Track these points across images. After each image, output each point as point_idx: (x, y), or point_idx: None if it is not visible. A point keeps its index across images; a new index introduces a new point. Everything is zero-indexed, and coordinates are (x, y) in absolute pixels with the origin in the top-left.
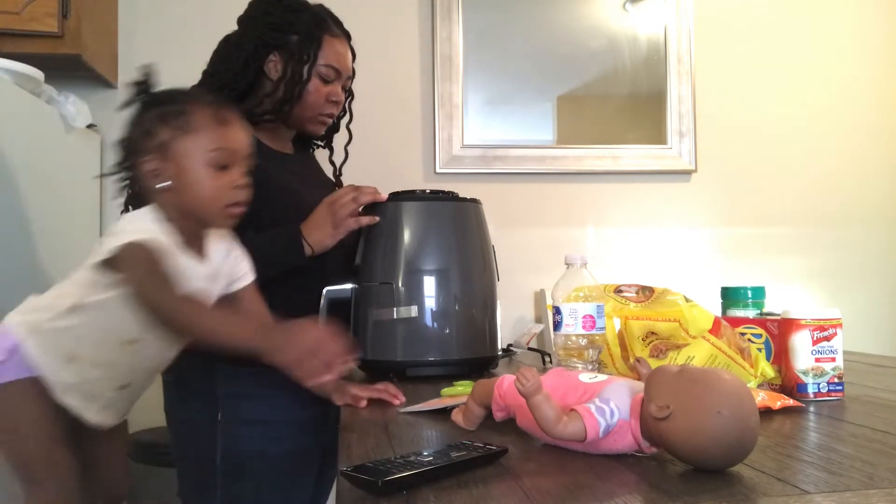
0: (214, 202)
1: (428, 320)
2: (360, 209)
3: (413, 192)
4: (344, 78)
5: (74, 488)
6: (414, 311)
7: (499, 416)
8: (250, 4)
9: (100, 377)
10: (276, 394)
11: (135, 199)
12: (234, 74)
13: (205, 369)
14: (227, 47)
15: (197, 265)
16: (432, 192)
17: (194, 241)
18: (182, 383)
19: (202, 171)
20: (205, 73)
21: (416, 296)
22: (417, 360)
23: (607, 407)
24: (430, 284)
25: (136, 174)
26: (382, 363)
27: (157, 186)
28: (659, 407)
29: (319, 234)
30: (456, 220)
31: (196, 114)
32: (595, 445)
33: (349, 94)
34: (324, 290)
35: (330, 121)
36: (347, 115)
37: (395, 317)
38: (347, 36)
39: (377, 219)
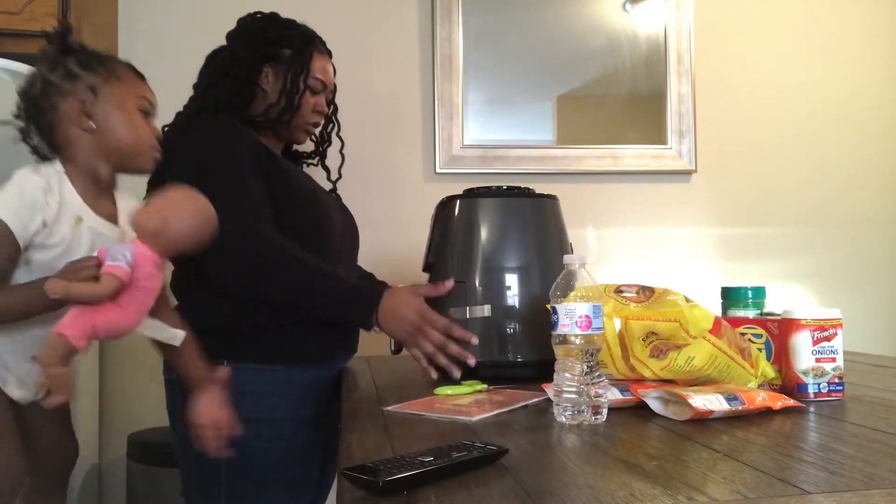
0: (141, 144)
1: (502, 320)
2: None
3: (489, 188)
4: (328, 91)
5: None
6: (487, 310)
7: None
8: (240, 22)
9: (11, 349)
10: (279, 392)
11: (37, 150)
12: (240, 86)
13: None
14: (222, 61)
15: (108, 228)
16: (508, 188)
17: (103, 201)
18: (184, 383)
19: (133, 115)
20: (199, 86)
21: (491, 295)
22: (490, 360)
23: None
24: (506, 284)
25: (53, 120)
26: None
27: (83, 127)
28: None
29: (394, 326)
30: (534, 217)
31: (118, 65)
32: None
33: (334, 107)
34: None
35: (315, 130)
36: (336, 125)
37: (467, 316)
38: (330, 54)
39: (447, 376)
